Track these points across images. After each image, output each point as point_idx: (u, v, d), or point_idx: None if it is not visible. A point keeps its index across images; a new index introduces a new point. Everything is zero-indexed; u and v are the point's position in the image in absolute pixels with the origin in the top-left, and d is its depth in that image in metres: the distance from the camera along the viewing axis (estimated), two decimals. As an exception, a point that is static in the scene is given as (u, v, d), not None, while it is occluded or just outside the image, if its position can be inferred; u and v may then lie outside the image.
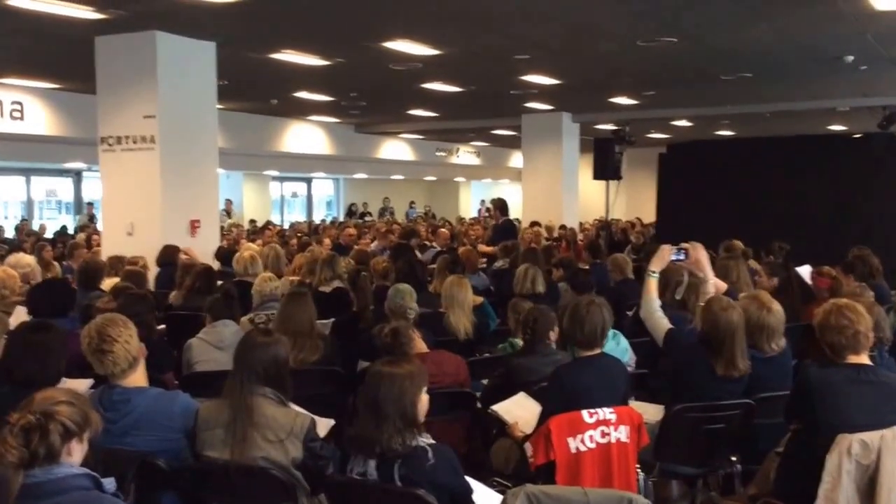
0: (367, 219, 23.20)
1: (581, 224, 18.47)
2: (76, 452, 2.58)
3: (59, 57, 10.65)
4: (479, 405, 4.78)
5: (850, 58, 10.88)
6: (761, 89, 14.03)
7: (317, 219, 22.74)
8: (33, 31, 8.92)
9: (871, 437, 3.45)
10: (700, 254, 5.19)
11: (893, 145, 12.77)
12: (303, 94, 14.26)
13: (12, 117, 13.03)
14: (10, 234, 16.11)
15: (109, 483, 2.65)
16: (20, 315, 5.34)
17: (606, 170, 14.78)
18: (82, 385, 3.92)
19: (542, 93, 14.22)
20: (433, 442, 3.21)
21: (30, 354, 3.66)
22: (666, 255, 5.04)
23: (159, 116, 9.01)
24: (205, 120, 9.62)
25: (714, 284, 5.25)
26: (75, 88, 13.04)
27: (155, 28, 8.86)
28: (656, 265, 4.99)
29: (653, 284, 4.90)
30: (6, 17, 8.12)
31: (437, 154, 24.46)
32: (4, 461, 2.41)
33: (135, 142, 9.14)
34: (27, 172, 19.16)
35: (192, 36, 9.24)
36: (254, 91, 13.95)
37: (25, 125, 13.27)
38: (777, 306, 4.55)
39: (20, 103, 13.13)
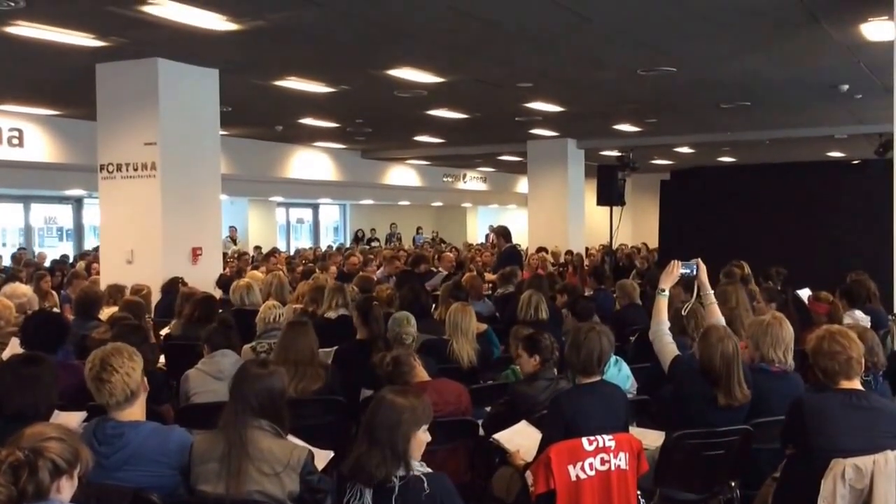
0: (374, 245, 23.20)
1: (587, 249, 18.46)
2: (66, 490, 2.54)
3: (60, 84, 10.72)
4: (481, 433, 4.74)
5: (845, 87, 11.04)
6: (760, 117, 14.12)
7: (323, 245, 22.74)
8: (35, 59, 8.98)
9: (864, 461, 3.49)
10: (701, 272, 5.15)
11: (891, 171, 12.76)
12: (308, 121, 14.32)
13: (11, 144, 13.06)
14: (7, 261, 15.94)
15: (100, 519, 2.61)
16: (15, 347, 5.32)
17: (610, 196, 14.78)
18: (75, 419, 3.90)
19: (546, 119, 14.28)
20: (429, 471, 3.18)
21: (19, 388, 3.63)
22: (675, 270, 4.98)
23: (160, 143, 9.03)
24: (207, 147, 9.65)
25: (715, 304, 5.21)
26: (75, 115, 13.09)
27: (157, 55, 8.93)
28: (666, 282, 4.94)
29: (663, 304, 4.85)
30: (8, 44, 8.18)
31: (444, 180, 24.52)
32: None
33: (135, 169, 9.16)
34: (26, 200, 19.10)
35: (194, 63, 9.29)
36: (258, 117, 14.02)
37: (25, 152, 13.29)
38: (788, 323, 4.58)
39: (19, 130, 13.16)
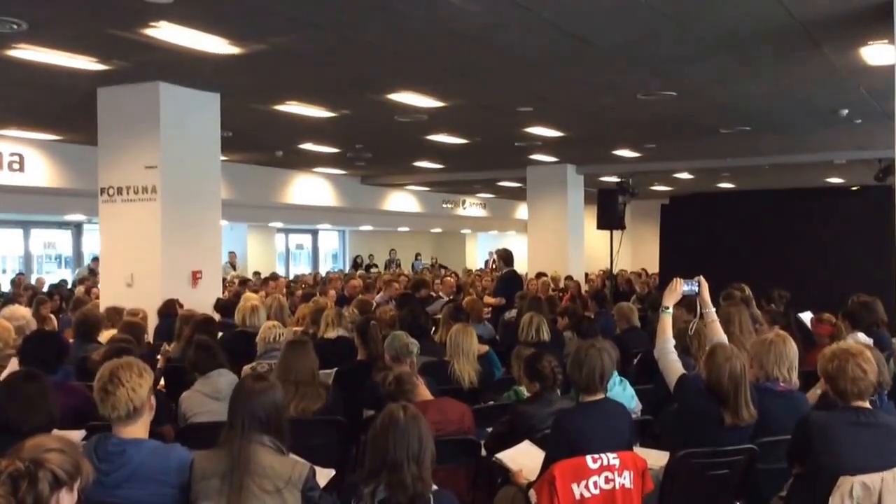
0: (373, 271, 23.18)
1: (587, 275, 18.45)
2: (66, 503, 2.50)
3: (62, 108, 10.73)
4: (483, 453, 4.70)
5: (845, 111, 11.09)
6: (760, 142, 14.18)
7: (322, 271, 22.72)
8: (36, 82, 9.00)
9: (872, 479, 3.48)
10: (703, 290, 5.13)
11: (891, 196, 12.81)
12: (308, 146, 14.35)
13: (11, 169, 13.06)
14: (6, 287, 15.93)
15: (100, 534, 2.57)
16: (14, 368, 5.28)
17: (610, 220, 14.78)
18: (73, 437, 3.85)
19: (546, 144, 14.32)
20: (436, 488, 3.15)
21: (19, 404, 3.63)
22: (678, 288, 4.96)
23: (161, 167, 9.03)
24: (208, 170, 9.66)
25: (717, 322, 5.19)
26: (76, 140, 13.11)
27: (158, 79, 8.95)
28: (669, 300, 4.92)
29: (667, 322, 4.82)
30: (9, 68, 8.20)
31: (444, 206, 24.54)
32: None
33: (136, 192, 9.16)
34: (25, 225, 19.06)
35: (195, 87, 9.32)
36: (258, 142, 14.04)
37: (25, 177, 13.29)
38: (792, 341, 4.59)
39: (20, 155, 13.16)
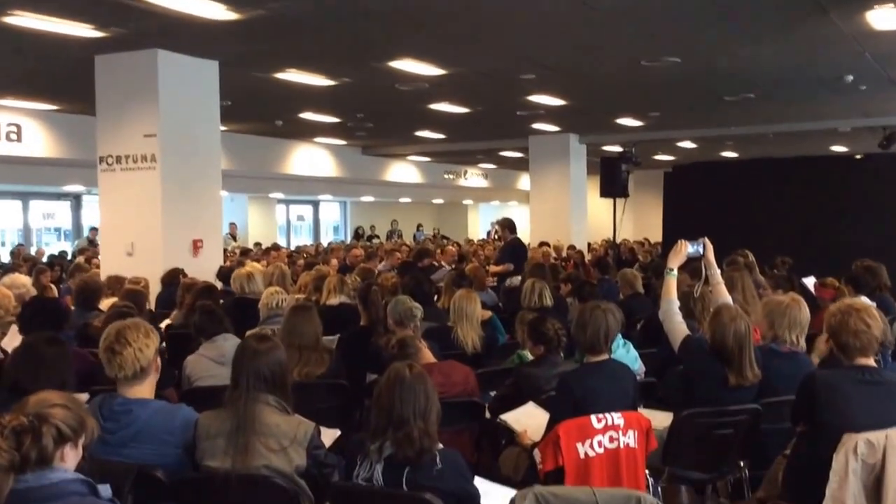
0: (375, 241, 23.15)
1: (589, 245, 18.43)
2: (70, 458, 2.49)
3: (59, 77, 10.66)
4: (487, 415, 4.70)
5: (850, 77, 10.97)
6: (764, 110, 14.08)
7: (324, 243, 22.70)
8: (33, 50, 8.92)
9: (876, 436, 3.47)
10: (708, 251, 5.11)
11: (894, 165, 12.80)
12: (308, 115, 14.27)
13: (9, 139, 12.99)
14: (6, 258, 15.91)
15: (105, 489, 2.55)
16: (14, 335, 5.29)
17: (614, 188, 14.70)
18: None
19: (548, 113, 14.23)
20: (441, 447, 3.15)
21: (33, 365, 3.62)
22: (683, 249, 4.94)
23: (160, 135, 8.97)
24: (207, 138, 9.58)
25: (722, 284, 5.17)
26: (74, 110, 13.03)
27: (156, 46, 8.86)
28: (674, 261, 4.91)
29: (672, 284, 4.81)
30: (6, 35, 8.12)
31: (445, 177, 24.45)
32: None
33: (135, 161, 9.10)
34: (24, 197, 19.04)
35: (194, 54, 9.24)
36: (258, 111, 13.97)
37: (23, 147, 13.22)
38: (805, 306, 4.59)
39: (17, 125, 13.08)
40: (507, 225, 11.74)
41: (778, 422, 4.20)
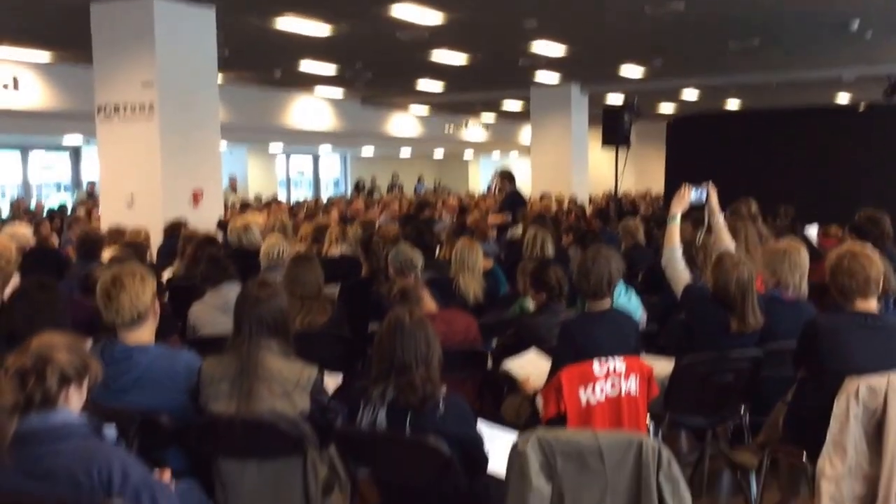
0: (375, 195, 23.08)
1: (591, 197, 18.37)
2: (74, 400, 2.49)
3: (55, 25, 10.52)
4: (490, 364, 4.71)
5: (857, 22, 10.77)
6: (768, 57, 13.93)
7: (324, 198, 22.64)
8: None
9: (878, 381, 3.46)
10: (712, 196, 5.08)
11: None
12: (307, 64, 14.10)
13: (6, 88, 12.88)
14: (6, 210, 15.91)
15: (110, 431, 2.57)
16: (16, 285, 5.26)
17: (616, 137, 14.52)
18: (82, 345, 3.86)
19: (550, 62, 14.09)
20: (445, 392, 3.15)
21: (33, 313, 3.62)
22: (686, 194, 4.91)
23: (158, 84, 8.88)
24: (205, 87, 9.50)
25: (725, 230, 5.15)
26: (71, 60, 12.88)
27: (151, -7, 8.75)
28: (677, 207, 4.89)
29: (675, 230, 4.80)
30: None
31: (446, 129, 24.29)
32: None
33: (133, 110, 9.02)
34: (24, 149, 18.95)
35: (190, 1, 9.10)
36: (257, 61, 13.81)
37: (21, 98, 13.12)
38: (805, 251, 4.58)
39: (14, 77, 12.97)
40: (507, 176, 11.64)
41: (779, 369, 4.19)
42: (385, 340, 3.16)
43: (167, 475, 2.82)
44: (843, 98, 20.24)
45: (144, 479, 2.48)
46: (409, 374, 3.06)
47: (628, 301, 5.11)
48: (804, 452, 3.68)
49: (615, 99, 17.63)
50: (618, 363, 3.83)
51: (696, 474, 4.53)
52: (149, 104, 8.93)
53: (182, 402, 3.41)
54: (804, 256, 4.57)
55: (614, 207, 14.62)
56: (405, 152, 26.13)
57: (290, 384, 3.31)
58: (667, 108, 21.94)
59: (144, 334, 3.46)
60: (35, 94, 13.34)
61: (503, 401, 4.61)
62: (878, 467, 3.46)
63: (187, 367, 3.45)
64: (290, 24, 10.39)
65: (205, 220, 9.07)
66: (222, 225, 9.13)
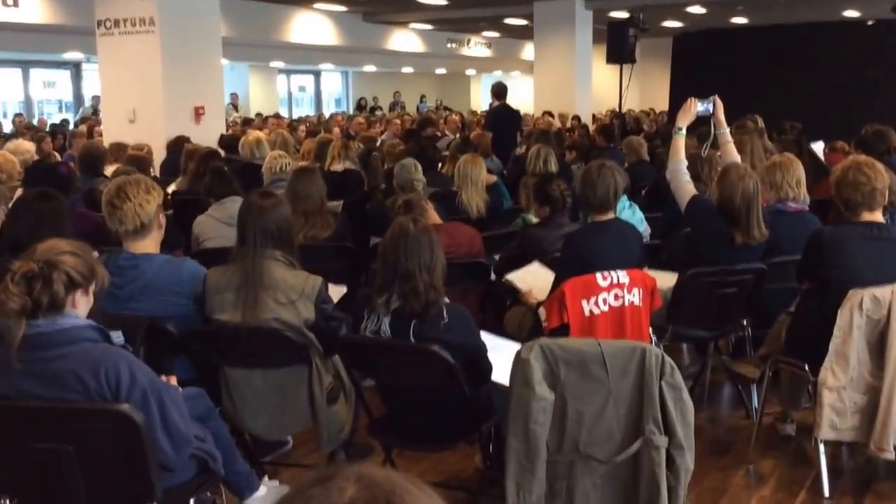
0: (378, 113, 22.86)
1: (594, 115, 18.18)
2: (81, 305, 2.51)
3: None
4: (493, 277, 4.72)
5: None
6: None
7: (326, 115, 22.41)
8: None
9: (882, 292, 3.48)
10: (718, 109, 5.03)
11: None
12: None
13: (6, 4, 12.61)
14: (8, 126, 15.77)
15: (117, 336, 2.58)
16: (19, 199, 5.27)
17: (621, 53, 14.29)
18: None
19: (554, -24, 13.76)
20: (448, 301, 3.17)
21: (36, 223, 3.62)
22: (692, 107, 4.87)
23: (158, -4, 8.73)
24: (206, 2, 9.31)
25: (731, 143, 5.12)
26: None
27: None
28: (683, 120, 4.84)
29: (680, 143, 4.76)
30: None
31: (448, 46, 23.91)
32: (5, 309, 2.32)
33: (133, 24, 8.89)
34: (24, 65, 18.66)
35: None
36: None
37: (21, 13, 12.85)
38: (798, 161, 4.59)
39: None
40: (496, 91, 11.11)
41: (783, 281, 4.21)
42: (389, 248, 3.16)
43: (174, 380, 2.85)
44: (850, 14, 19.85)
45: (152, 382, 2.51)
46: (412, 280, 3.07)
47: (632, 215, 5.10)
48: (806, 364, 3.69)
49: (620, 15, 17.28)
50: (621, 275, 3.83)
51: (697, 386, 4.59)
52: (149, 18, 8.78)
53: (188, 309, 3.44)
54: (797, 165, 4.54)
55: (618, 125, 14.47)
56: (407, 69, 25.78)
57: (294, 293, 3.33)
58: (673, 22, 21.52)
59: (149, 245, 3.46)
60: (35, 8, 13.07)
61: (506, 312, 4.64)
62: (880, 378, 3.49)
63: (192, 276, 3.47)
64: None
65: (206, 136, 9.02)
66: (224, 142, 9.07)
